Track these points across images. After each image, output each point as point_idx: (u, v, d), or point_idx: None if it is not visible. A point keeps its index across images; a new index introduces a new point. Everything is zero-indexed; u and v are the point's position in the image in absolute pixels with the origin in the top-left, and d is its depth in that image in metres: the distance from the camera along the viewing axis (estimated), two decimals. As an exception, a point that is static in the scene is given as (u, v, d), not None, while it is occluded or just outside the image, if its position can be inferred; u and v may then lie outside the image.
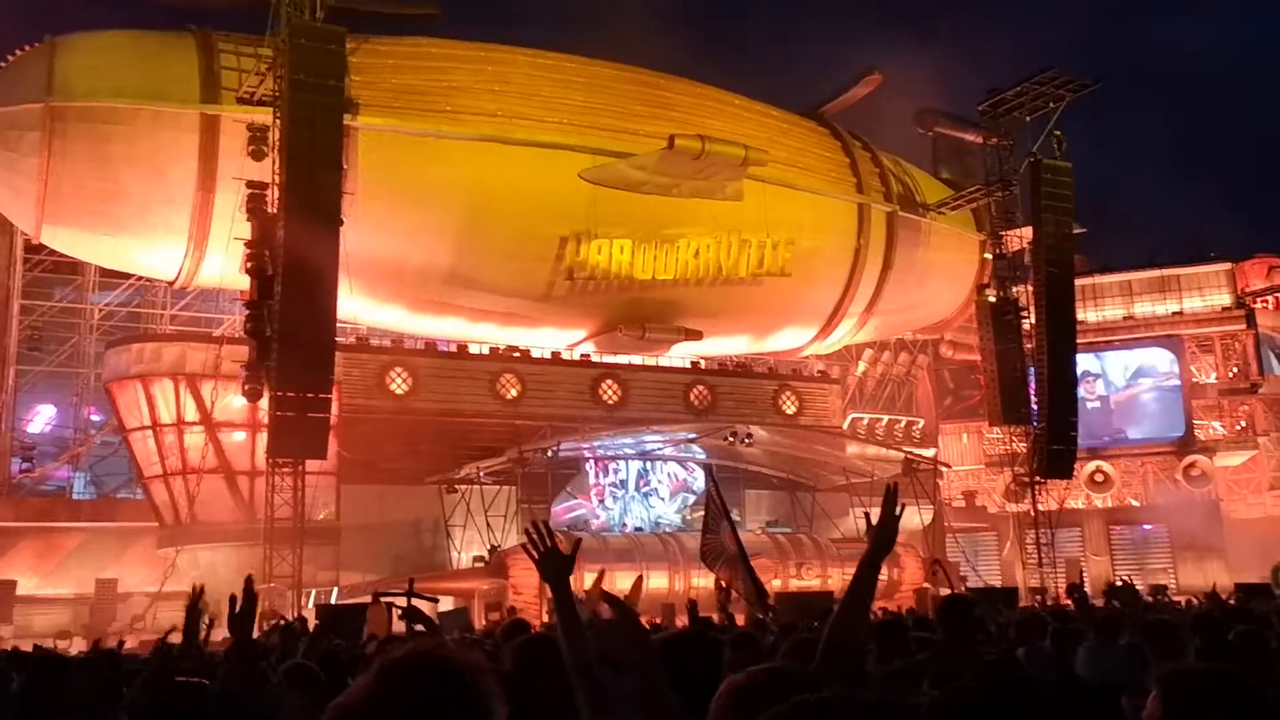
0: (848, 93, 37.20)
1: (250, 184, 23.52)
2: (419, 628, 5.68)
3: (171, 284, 29.16)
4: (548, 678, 3.18)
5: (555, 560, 3.20)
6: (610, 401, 32.59)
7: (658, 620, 19.58)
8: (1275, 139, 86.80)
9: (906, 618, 10.95)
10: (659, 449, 31.69)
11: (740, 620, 15.86)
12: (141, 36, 27.81)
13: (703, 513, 20.26)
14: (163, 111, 25.92)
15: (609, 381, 32.88)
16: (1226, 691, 1.80)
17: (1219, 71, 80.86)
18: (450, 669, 1.67)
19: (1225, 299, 42.84)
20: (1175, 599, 22.30)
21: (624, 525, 30.63)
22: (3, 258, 31.13)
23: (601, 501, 31.45)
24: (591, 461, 31.39)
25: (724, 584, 16.98)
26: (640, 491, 32.04)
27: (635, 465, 31.94)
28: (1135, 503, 41.93)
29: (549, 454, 27.09)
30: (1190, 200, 66.90)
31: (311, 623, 15.54)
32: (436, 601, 15.03)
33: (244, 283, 23.90)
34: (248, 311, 23.41)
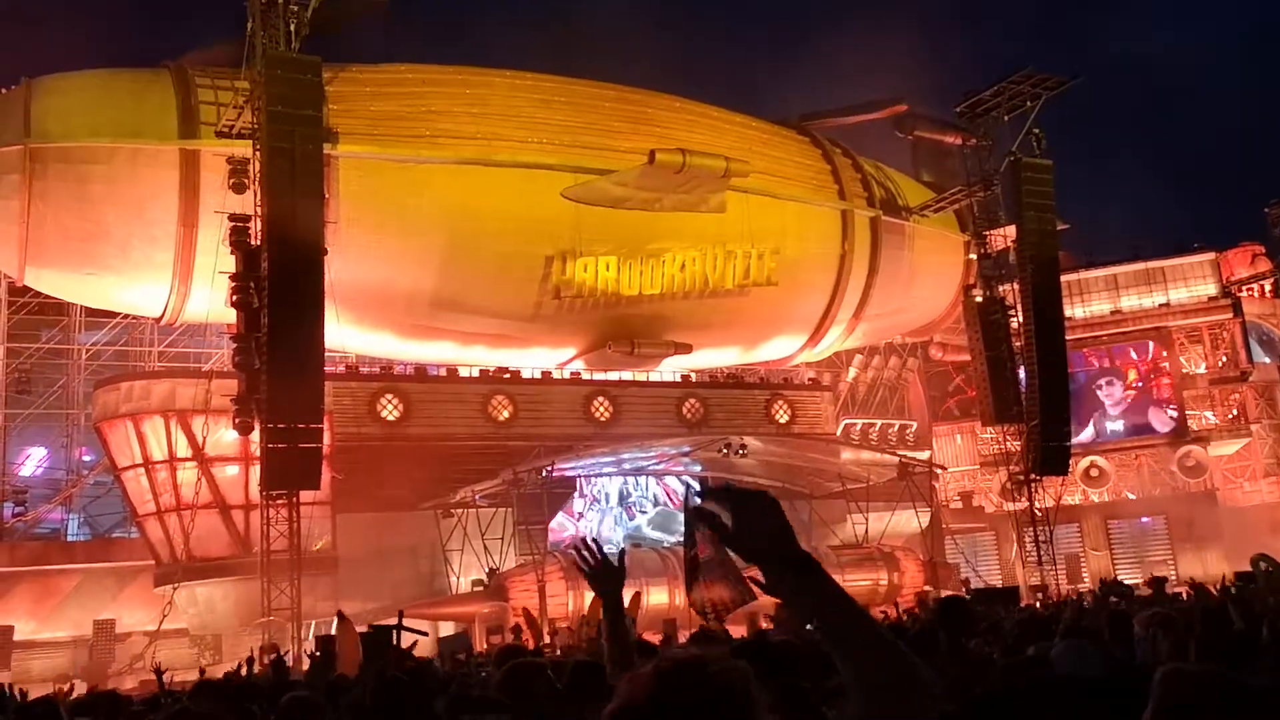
0: (865, 115, 37.36)
1: (233, 217, 23.47)
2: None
3: (158, 321, 29.06)
4: (531, 699, 3.19)
5: (608, 572, 3.25)
6: (603, 419, 32.55)
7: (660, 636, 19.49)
8: (1241, 129, 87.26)
9: (908, 621, 10.91)
10: (653, 465, 31.65)
11: (741, 631, 15.78)
12: (117, 75, 27.80)
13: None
14: (141, 149, 25.89)
15: (600, 399, 32.85)
16: (1220, 694, 1.77)
17: (1179, 65, 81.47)
18: (725, 675, 1.72)
19: (1211, 289, 43.02)
20: (1176, 589, 22.29)
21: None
22: (-13, 302, 31.04)
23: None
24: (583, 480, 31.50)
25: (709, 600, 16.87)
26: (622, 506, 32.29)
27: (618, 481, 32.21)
28: (1132, 496, 41.99)
29: (543, 474, 27.02)
30: (1171, 192, 67.26)
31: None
32: (426, 635, 14.98)
33: (231, 316, 23.83)
34: (235, 345, 23.34)
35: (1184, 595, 16.75)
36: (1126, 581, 28.13)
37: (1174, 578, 32.40)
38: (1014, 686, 3.58)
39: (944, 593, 25.82)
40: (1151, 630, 4.45)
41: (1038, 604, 24.49)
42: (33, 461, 33.40)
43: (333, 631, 22.00)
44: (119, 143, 25.76)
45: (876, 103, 37.54)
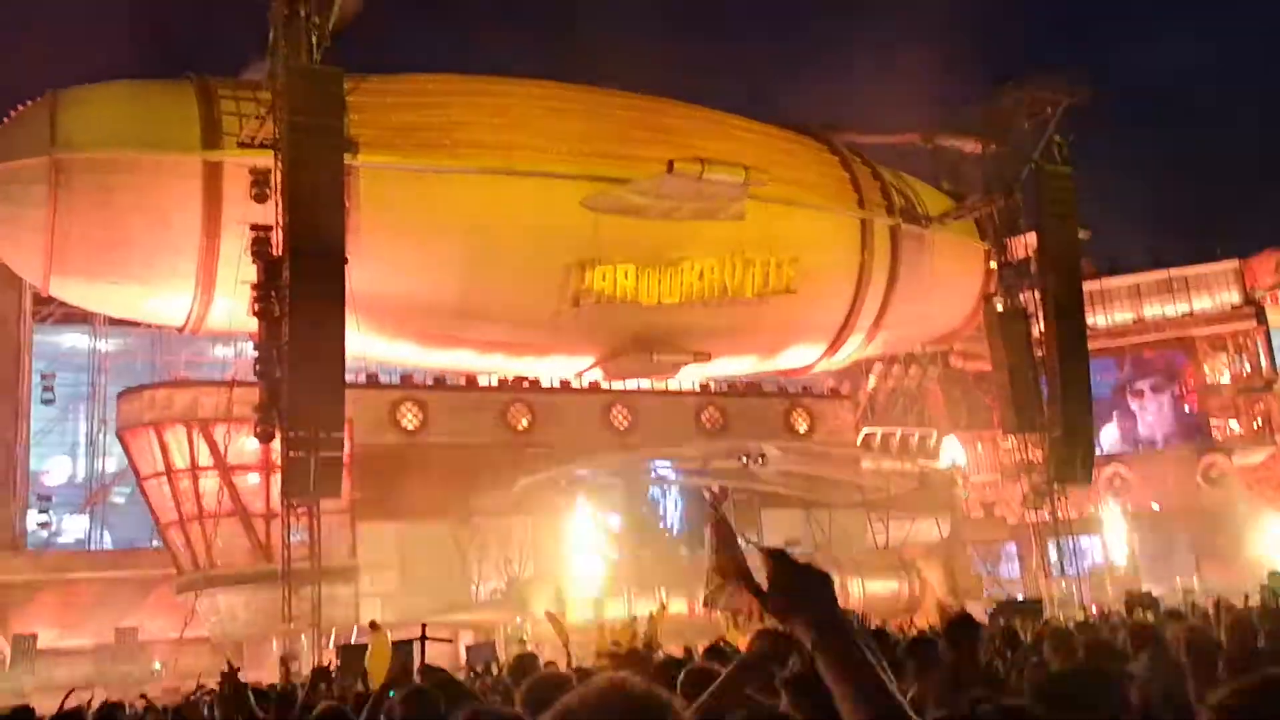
0: (881, 137, 37.25)
1: (254, 227, 23.56)
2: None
3: (181, 330, 29.22)
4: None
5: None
6: (621, 427, 32.51)
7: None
8: (1262, 136, 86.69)
9: (931, 634, 10.81)
10: (672, 474, 31.59)
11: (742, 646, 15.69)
12: (142, 86, 28.04)
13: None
14: (165, 159, 26.08)
15: (619, 407, 32.82)
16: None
17: (1200, 73, 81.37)
18: (638, 698, 1.72)
19: (1234, 297, 42.68)
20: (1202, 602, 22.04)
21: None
22: (12, 310, 31.31)
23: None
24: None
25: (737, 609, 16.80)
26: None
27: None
28: (1156, 506, 41.64)
29: (562, 483, 27.02)
30: (1193, 200, 66.84)
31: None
32: (451, 641, 14.96)
33: (253, 325, 23.95)
34: (257, 354, 23.44)
35: (1210, 610, 16.57)
36: (1152, 593, 27.84)
37: (1198, 589, 32.08)
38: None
39: (965, 603, 25.67)
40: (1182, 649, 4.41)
41: (1060, 616, 24.30)
42: (57, 469, 33.63)
43: (353, 640, 22.05)
44: (143, 153, 25.97)
45: (894, 128, 37.40)
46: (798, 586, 2.03)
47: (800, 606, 2.01)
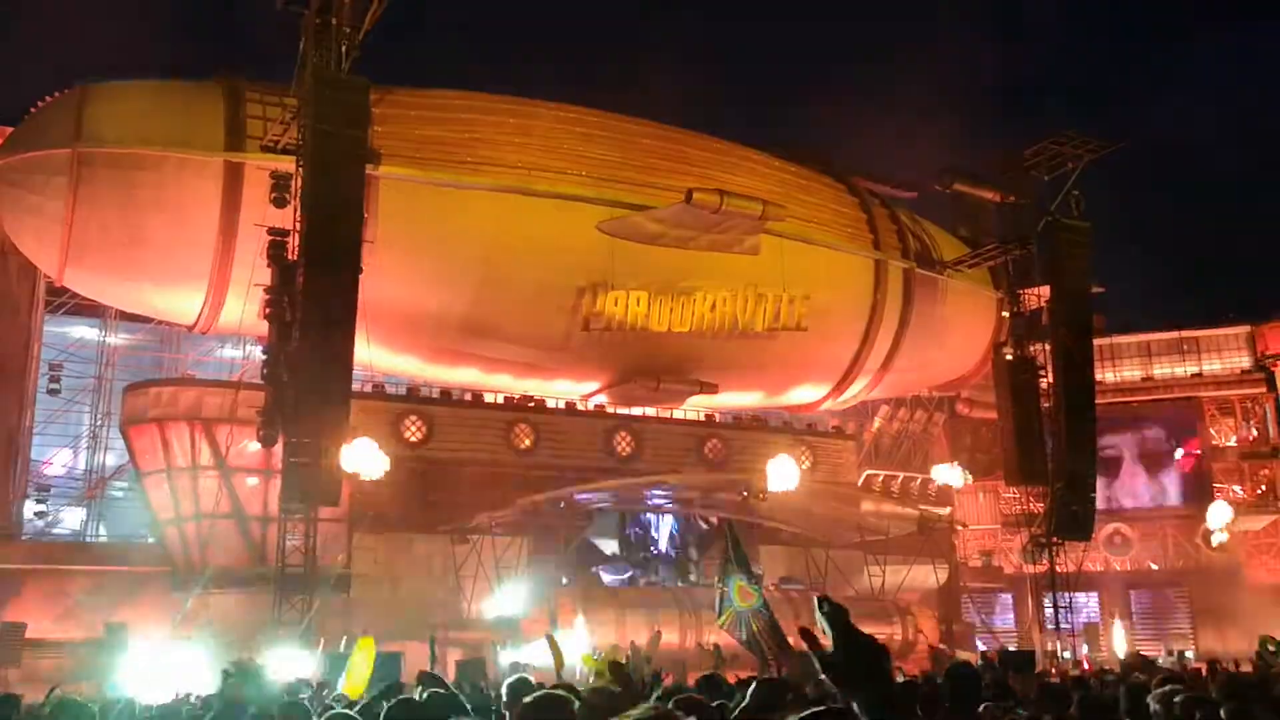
0: (889, 189, 37.35)
1: (271, 231, 23.61)
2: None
3: (191, 328, 29.29)
4: None
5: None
6: (623, 453, 32.47)
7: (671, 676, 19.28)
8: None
9: (922, 681, 10.73)
10: (671, 502, 31.51)
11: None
12: (169, 85, 28.25)
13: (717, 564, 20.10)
14: (188, 158, 26.23)
15: (622, 433, 32.79)
16: None
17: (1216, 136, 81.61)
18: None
19: (1245, 361, 42.62)
20: (1196, 665, 21.90)
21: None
22: (25, 299, 31.38)
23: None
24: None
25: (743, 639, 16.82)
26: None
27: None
28: (1155, 566, 41.40)
29: (560, 505, 26.98)
30: (1209, 262, 66.86)
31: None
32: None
33: (263, 328, 23.99)
34: (265, 357, 23.47)
35: (1203, 672, 16.43)
36: (1146, 654, 27.65)
37: (1192, 653, 31.83)
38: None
39: (957, 653, 25.51)
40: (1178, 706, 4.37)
41: (1053, 670, 24.13)
42: (59, 461, 33.61)
43: (342, 649, 21.92)
44: (166, 151, 26.12)
45: (896, 181, 37.58)
46: (859, 659, 2.02)
47: (860, 681, 2.00)
